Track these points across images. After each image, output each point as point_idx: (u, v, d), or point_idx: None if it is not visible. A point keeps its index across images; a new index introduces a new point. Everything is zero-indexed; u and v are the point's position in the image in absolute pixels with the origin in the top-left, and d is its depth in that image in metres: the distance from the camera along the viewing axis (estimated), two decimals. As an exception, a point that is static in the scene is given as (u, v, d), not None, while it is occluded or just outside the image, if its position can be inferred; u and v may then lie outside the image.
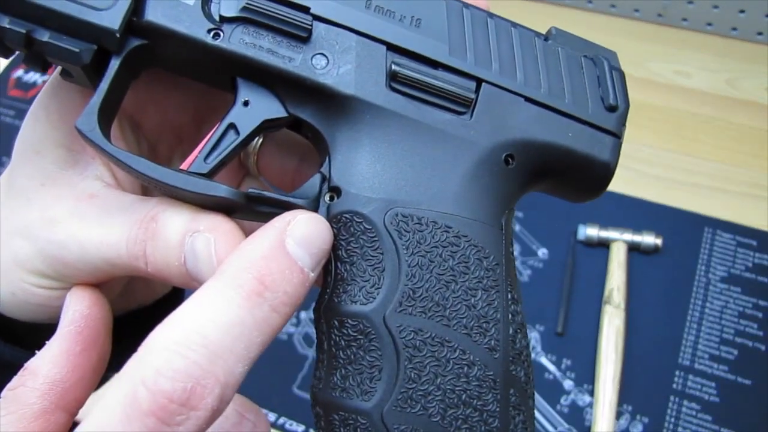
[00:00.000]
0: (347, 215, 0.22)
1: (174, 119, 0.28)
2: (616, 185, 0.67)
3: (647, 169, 0.68)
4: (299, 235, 0.20)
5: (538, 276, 0.62)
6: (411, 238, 0.22)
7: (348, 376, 0.21)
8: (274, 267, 0.20)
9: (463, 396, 0.21)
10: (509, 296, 0.23)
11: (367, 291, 0.21)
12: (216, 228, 0.21)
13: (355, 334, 0.21)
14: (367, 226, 0.22)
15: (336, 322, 0.22)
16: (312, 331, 0.61)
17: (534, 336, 0.59)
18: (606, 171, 0.26)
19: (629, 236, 0.61)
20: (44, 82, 0.79)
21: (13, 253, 0.23)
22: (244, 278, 0.19)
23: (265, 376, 0.58)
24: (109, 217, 0.23)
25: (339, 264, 0.22)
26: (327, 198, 0.23)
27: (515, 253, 0.63)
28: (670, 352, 0.57)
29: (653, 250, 0.61)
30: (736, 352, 0.57)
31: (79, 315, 0.21)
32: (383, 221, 0.22)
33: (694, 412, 0.55)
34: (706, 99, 0.72)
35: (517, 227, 0.65)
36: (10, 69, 0.80)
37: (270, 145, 0.26)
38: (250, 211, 0.22)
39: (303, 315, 0.62)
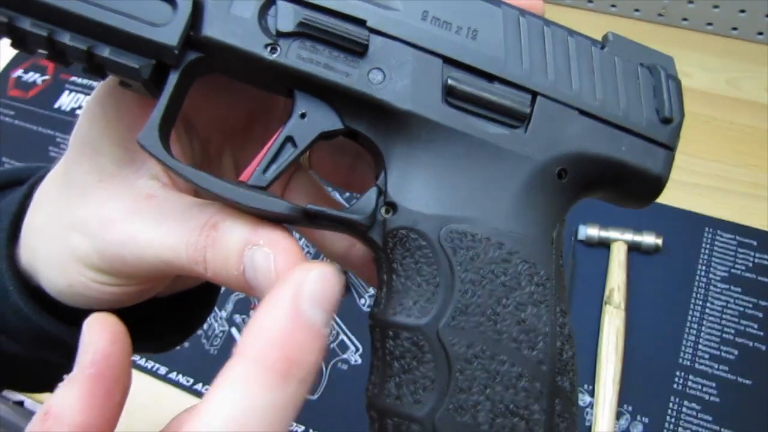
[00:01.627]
0: (403, 231, 0.23)
1: (226, 118, 0.28)
2: (616, 185, 0.67)
3: (647, 169, 0.68)
4: (314, 296, 0.20)
5: (539, 276, 0.62)
6: (465, 254, 0.22)
7: (402, 385, 0.22)
8: (297, 338, 0.19)
9: (511, 406, 0.21)
10: (558, 309, 0.23)
11: (422, 305, 0.22)
12: (276, 244, 0.22)
13: (410, 345, 0.22)
14: (423, 242, 0.22)
15: (391, 333, 0.22)
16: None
17: (534, 336, 0.59)
18: (657, 183, 0.26)
19: (629, 236, 0.61)
20: (44, 82, 0.79)
21: (71, 248, 0.24)
22: (271, 358, 0.19)
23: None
24: (167, 220, 0.23)
25: (395, 277, 0.22)
26: (383, 212, 0.23)
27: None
28: (670, 352, 0.57)
29: (653, 250, 0.61)
30: (736, 352, 0.57)
31: (101, 355, 0.21)
32: (438, 238, 0.22)
33: (694, 413, 0.55)
34: (706, 99, 0.72)
35: (517, 227, 0.65)
36: (9, 69, 0.80)
37: (324, 143, 0.26)
38: (309, 224, 0.23)
39: (303, 315, 0.62)
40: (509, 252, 0.22)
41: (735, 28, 0.75)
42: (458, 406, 0.21)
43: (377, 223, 0.23)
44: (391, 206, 0.23)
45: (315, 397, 0.57)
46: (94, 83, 0.78)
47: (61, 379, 0.24)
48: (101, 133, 0.24)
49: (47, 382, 0.32)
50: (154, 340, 0.30)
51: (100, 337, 0.21)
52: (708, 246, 0.62)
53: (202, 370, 0.59)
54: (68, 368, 0.23)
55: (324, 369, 0.58)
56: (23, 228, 0.26)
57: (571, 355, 0.23)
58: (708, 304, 0.59)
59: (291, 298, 0.19)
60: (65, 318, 0.26)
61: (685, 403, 0.55)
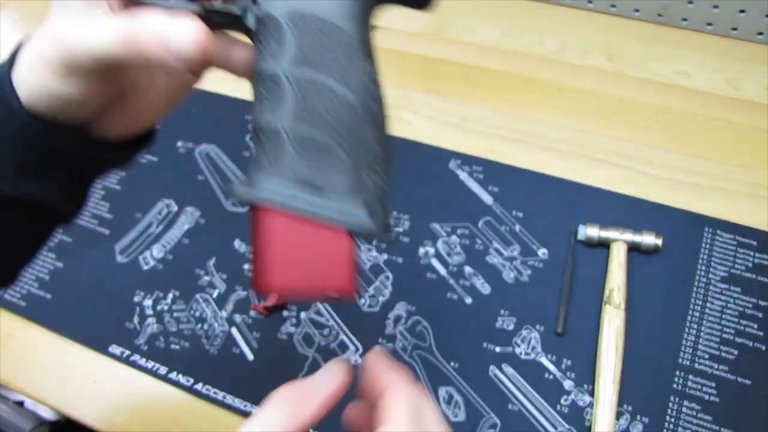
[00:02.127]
0: (263, 17, 0.31)
1: None
2: (616, 185, 0.67)
3: (647, 169, 0.68)
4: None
5: (538, 276, 0.62)
6: (299, 23, 0.31)
7: (267, 110, 0.31)
8: None
9: (333, 115, 0.31)
10: (367, 62, 0.32)
11: (276, 58, 0.31)
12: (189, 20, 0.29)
13: (270, 83, 0.31)
14: (274, 22, 0.31)
15: (261, 81, 0.32)
16: (312, 332, 0.61)
17: (534, 336, 0.59)
18: None
19: (629, 236, 0.61)
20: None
21: (39, 53, 0.30)
22: None
23: (265, 376, 0.58)
24: (108, 21, 0.29)
25: (261, 48, 0.31)
26: (252, 3, 0.31)
27: (515, 253, 0.63)
28: (670, 352, 0.57)
29: (653, 250, 0.61)
30: (736, 352, 0.57)
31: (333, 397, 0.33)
32: (283, 17, 0.31)
33: (694, 412, 0.55)
34: (706, 99, 0.72)
35: (516, 227, 0.65)
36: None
37: None
38: (206, 21, 0.29)
39: (303, 315, 0.62)
40: (332, 26, 0.31)
41: (735, 28, 0.75)
42: (300, 117, 0.30)
43: (249, 12, 0.31)
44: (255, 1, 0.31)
45: (315, 397, 0.57)
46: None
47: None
48: None
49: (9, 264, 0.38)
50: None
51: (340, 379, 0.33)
52: (708, 246, 0.62)
53: (202, 370, 0.59)
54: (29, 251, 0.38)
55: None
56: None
57: (381, 95, 0.32)
58: (708, 304, 0.59)
59: None
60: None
61: (685, 403, 0.55)
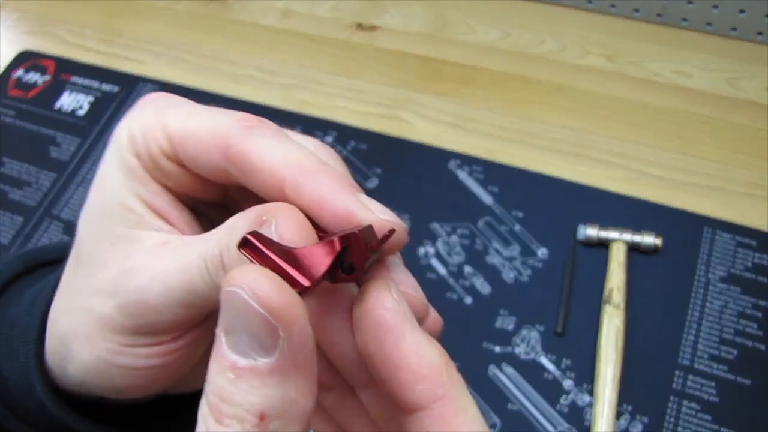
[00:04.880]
0: None
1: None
2: (616, 185, 0.67)
3: (647, 169, 0.68)
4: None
5: (538, 276, 0.62)
6: None
7: None
8: None
9: None
10: None
11: None
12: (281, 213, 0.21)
13: None
14: None
15: None
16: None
17: (534, 336, 0.59)
18: None
19: (629, 236, 0.61)
20: (45, 82, 0.79)
21: (94, 315, 0.23)
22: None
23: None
24: (185, 249, 0.22)
25: None
26: None
27: (515, 252, 0.63)
28: (669, 352, 0.57)
29: (653, 250, 0.61)
30: (735, 351, 0.57)
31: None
32: None
33: (693, 412, 0.55)
34: (706, 99, 0.72)
35: (516, 227, 0.65)
36: (10, 69, 0.81)
37: None
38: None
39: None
40: None
41: (735, 28, 0.75)
42: None
43: None
44: None
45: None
46: (95, 84, 0.78)
47: None
48: (109, 200, 0.23)
49: None
50: None
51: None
52: (707, 246, 0.62)
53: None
54: None
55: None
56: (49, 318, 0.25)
57: None
58: (707, 304, 0.59)
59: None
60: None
61: (685, 402, 0.55)
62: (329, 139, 0.72)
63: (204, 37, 0.82)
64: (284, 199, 0.21)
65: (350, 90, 0.76)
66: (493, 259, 0.64)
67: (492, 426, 0.56)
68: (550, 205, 0.66)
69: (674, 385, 0.56)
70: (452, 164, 0.70)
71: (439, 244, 0.65)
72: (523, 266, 0.63)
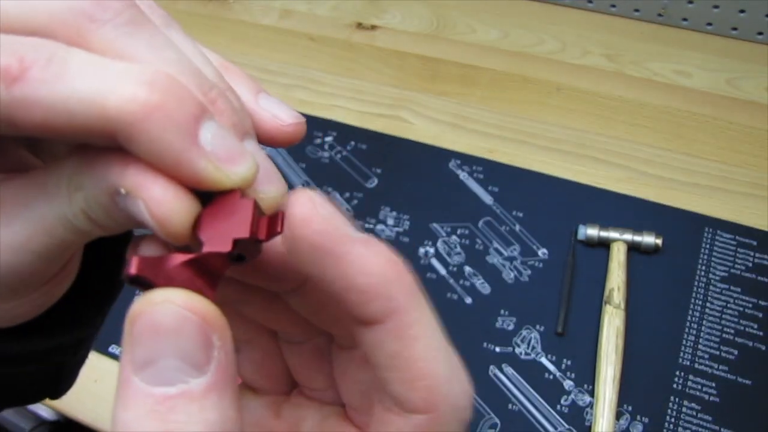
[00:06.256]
0: None
1: None
2: (616, 185, 0.67)
3: (647, 169, 0.68)
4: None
5: (538, 276, 0.62)
6: None
7: None
8: None
9: None
10: None
11: None
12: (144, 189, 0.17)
13: None
14: None
15: None
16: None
17: (534, 336, 0.59)
18: None
19: (629, 236, 0.61)
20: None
21: None
22: None
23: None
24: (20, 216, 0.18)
25: None
26: None
27: (515, 253, 0.63)
28: (670, 352, 0.57)
29: (653, 250, 0.61)
30: (736, 352, 0.57)
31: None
32: None
33: (694, 413, 0.55)
34: (706, 99, 0.72)
35: (517, 227, 0.65)
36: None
37: None
38: None
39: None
40: None
41: (735, 28, 0.75)
42: None
43: None
44: None
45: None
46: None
47: None
48: None
49: None
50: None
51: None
52: (708, 246, 0.62)
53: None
54: None
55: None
56: None
57: None
58: (708, 304, 0.59)
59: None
60: None
61: (685, 403, 0.55)
62: (329, 139, 0.72)
63: (204, 37, 0.82)
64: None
65: (350, 90, 0.76)
66: (493, 259, 0.64)
67: (492, 426, 0.56)
68: (551, 205, 0.66)
69: (675, 386, 0.56)
70: (452, 164, 0.70)
71: (439, 244, 0.65)
72: (524, 266, 0.63)
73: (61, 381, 0.29)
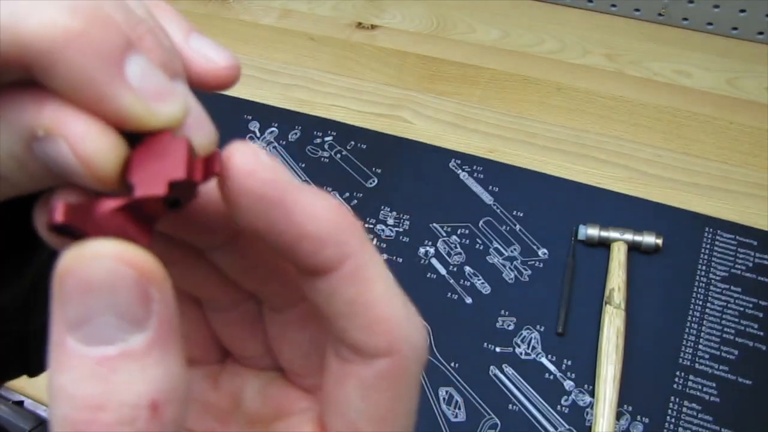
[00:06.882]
0: None
1: None
2: (616, 185, 0.67)
3: (647, 169, 0.68)
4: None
5: (538, 276, 0.62)
6: None
7: None
8: None
9: None
10: None
11: None
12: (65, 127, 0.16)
13: None
14: None
15: None
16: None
17: (534, 336, 0.59)
18: None
19: (629, 236, 0.61)
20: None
21: None
22: None
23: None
24: None
25: None
26: None
27: (515, 253, 0.63)
28: (670, 352, 0.57)
29: (653, 250, 0.61)
30: (736, 352, 0.57)
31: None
32: None
33: (694, 413, 0.54)
34: (706, 99, 0.72)
35: (517, 227, 0.65)
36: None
37: None
38: None
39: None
40: None
41: (735, 28, 0.75)
42: None
43: None
44: None
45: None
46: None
47: None
48: None
49: None
50: None
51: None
52: (708, 246, 0.62)
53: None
54: None
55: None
56: None
57: None
58: (708, 304, 0.59)
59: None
60: None
61: (686, 403, 0.55)
62: (329, 138, 0.72)
63: (203, 36, 0.82)
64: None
65: (350, 89, 0.76)
66: (493, 259, 0.64)
67: (492, 427, 0.55)
68: (551, 205, 0.66)
69: (675, 386, 0.56)
70: (452, 164, 0.70)
71: (440, 244, 0.65)
72: (524, 266, 0.63)
73: (27, 354, 0.27)
